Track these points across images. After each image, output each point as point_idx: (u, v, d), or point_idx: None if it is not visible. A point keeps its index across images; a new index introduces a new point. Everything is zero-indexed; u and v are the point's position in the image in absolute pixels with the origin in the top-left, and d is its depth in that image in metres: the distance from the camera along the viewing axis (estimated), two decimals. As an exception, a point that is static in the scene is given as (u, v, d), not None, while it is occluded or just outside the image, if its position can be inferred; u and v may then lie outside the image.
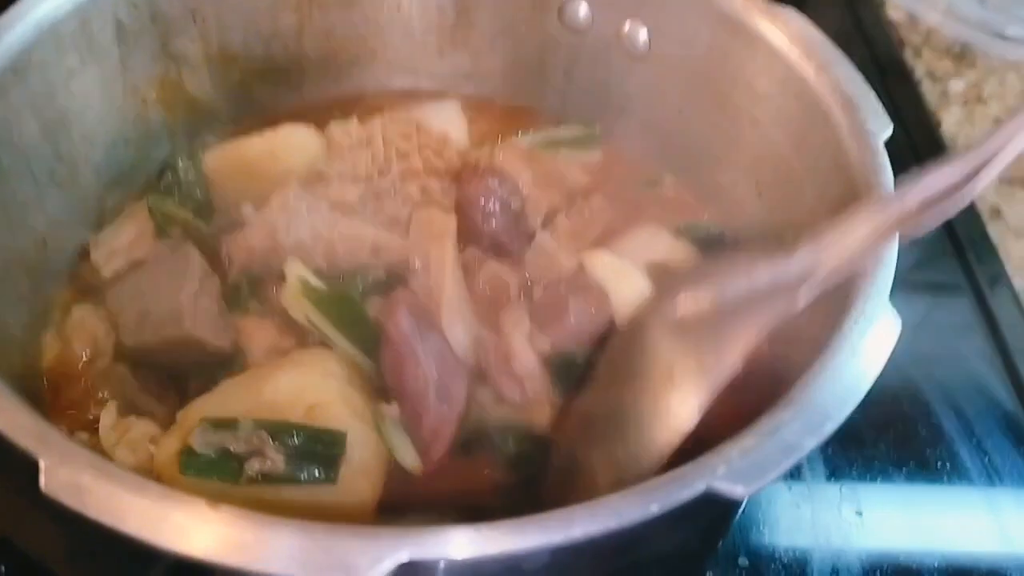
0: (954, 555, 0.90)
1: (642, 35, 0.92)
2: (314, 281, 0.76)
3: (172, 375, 0.74)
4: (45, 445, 0.48)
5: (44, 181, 0.78)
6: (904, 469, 1.03)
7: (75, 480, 0.46)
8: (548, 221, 0.89)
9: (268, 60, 0.96)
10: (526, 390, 0.77)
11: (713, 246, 0.90)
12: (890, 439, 1.06)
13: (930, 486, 0.97)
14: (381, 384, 0.75)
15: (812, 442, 0.52)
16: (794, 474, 1.01)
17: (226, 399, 0.69)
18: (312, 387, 0.69)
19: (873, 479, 1.02)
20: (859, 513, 0.94)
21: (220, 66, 0.92)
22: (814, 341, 0.61)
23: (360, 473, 0.67)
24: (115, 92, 0.84)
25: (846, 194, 0.72)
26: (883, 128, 0.72)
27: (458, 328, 0.78)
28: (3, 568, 0.47)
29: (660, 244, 0.88)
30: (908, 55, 1.39)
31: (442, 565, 0.47)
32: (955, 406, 1.01)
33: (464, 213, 0.86)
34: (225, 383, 0.71)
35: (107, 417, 0.68)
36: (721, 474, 0.50)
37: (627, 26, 0.93)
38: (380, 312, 0.76)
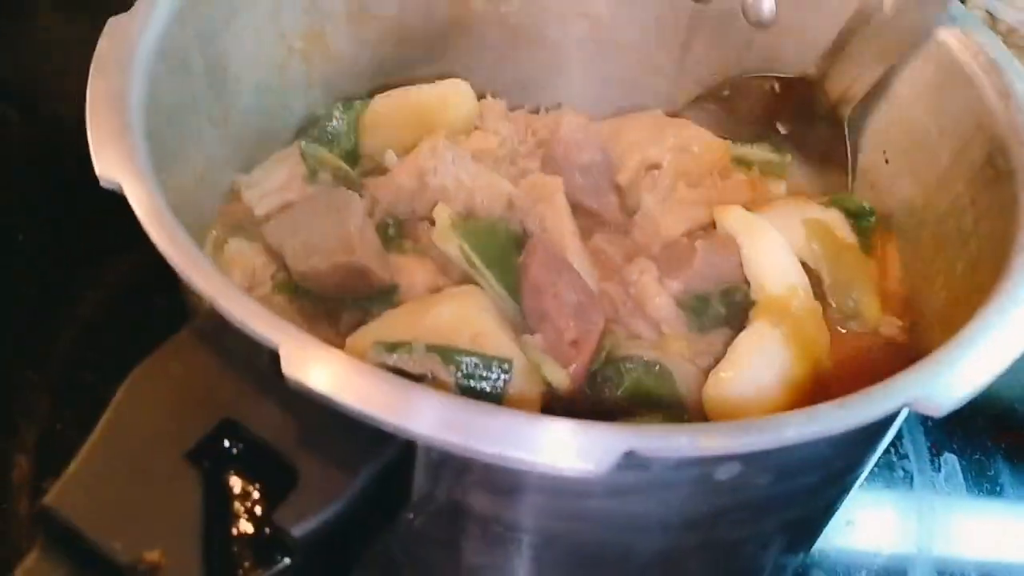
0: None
1: (767, 2, 0.94)
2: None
3: (327, 308, 0.76)
4: (282, 332, 0.50)
5: (203, 119, 0.80)
6: (1002, 446, 1.04)
7: (316, 364, 0.49)
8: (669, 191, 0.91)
9: (400, 24, 0.97)
10: (662, 331, 0.79)
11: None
12: (988, 415, 1.08)
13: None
14: (522, 323, 0.76)
15: (1007, 359, 0.54)
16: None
17: (391, 327, 0.71)
18: (473, 318, 0.71)
19: (972, 453, 1.04)
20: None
21: (358, 25, 0.95)
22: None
23: (520, 401, 0.69)
24: (265, 38, 0.86)
25: (991, 155, 0.74)
26: (1030, 90, 0.74)
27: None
28: (235, 450, 0.50)
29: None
30: (989, 52, 1.41)
31: (666, 460, 0.49)
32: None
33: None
34: (386, 313, 0.73)
35: None
36: (921, 388, 0.52)
37: (756, -7, 0.94)
38: (521, 255, 0.79)
